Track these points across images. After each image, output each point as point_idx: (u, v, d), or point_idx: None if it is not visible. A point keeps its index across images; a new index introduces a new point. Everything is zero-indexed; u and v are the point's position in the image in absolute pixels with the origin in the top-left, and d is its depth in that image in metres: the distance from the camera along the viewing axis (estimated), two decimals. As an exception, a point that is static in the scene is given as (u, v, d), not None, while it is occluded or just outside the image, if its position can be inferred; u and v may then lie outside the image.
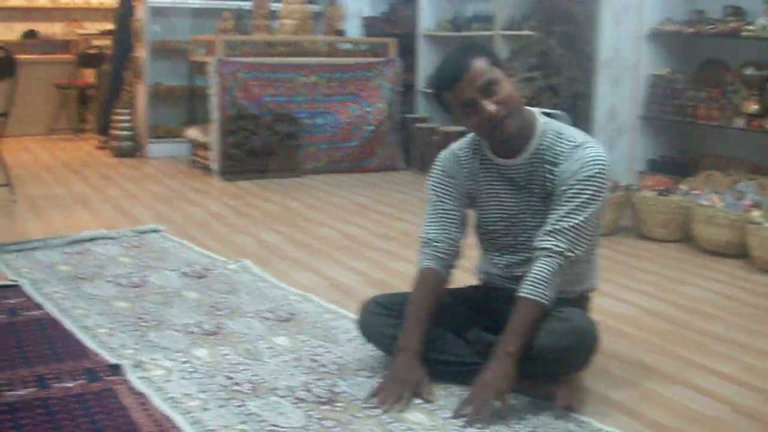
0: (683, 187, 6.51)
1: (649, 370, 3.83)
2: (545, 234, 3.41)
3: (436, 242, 3.60)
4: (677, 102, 6.98)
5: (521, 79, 7.55)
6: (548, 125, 3.53)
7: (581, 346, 3.37)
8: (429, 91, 3.55)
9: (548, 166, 3.46)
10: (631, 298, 4.92)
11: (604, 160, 3.42)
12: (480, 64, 3.35)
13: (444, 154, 3.72)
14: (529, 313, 3.33)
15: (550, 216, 3.44)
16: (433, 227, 3.63)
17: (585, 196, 3.38)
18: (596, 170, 3.39)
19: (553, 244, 3.38)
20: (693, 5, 7.24)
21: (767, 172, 6.53)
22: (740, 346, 4.19)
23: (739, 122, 6.51)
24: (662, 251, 6.09)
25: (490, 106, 3.33)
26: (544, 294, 3.34)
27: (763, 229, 5.55)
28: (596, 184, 3.39)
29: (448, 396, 3.43)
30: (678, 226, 6.29)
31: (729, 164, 6.99)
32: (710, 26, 6.75)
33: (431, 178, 3.71)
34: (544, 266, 3.37)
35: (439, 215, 3.63)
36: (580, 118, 7.19)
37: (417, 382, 3.40)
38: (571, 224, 3.38)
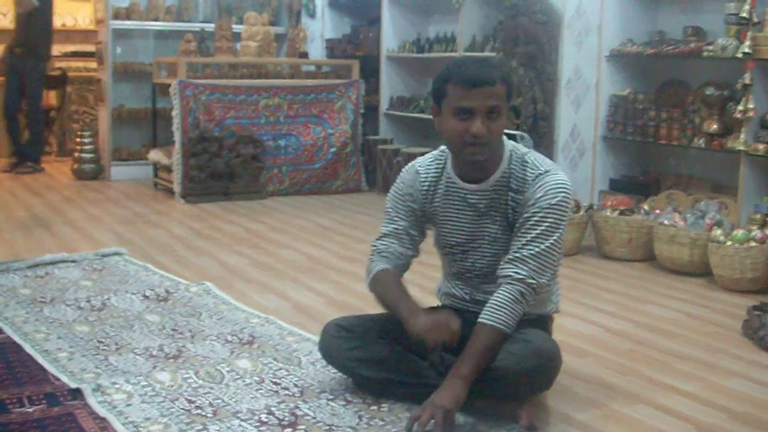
0: (645, 206, 6.55)
1: (612, 390, 3.84)
2: (507, 262, 3.42)
3: (385, 254, 3.65)
4: (638, 122, 7.02)
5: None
6: (515, 153, 3.54)
7: (543, 368, 3.37)
8: (433, 85, 3.51)
9: (512, 194, 3.48)
10: (594, 318, 4.93)
11: (567, 188, 3.45)
12: (501, 89, 3.37)
13: (406, 170, 3.75)
14: (485, 339, 3.32)
15: (513, 243, 3.45)
16: (384, 240, 3.70)
17: (547, 223, 3.40)
18: (559, 198, 3.41)
19: (514, 272, 3.39)
20: (653, 26, 7.30)
21: (728, 191, 6.57)
22: (703, 364, 4.21)
23: (700, 142, 6.55)
24: (625, 271, 6.12)
25: (481, 127, 3.33)
26: (503, 320, 3.34)
27: (724, 248, 5.58)
28: (558, 211, 3.41)
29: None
30: (640, 246, 6.32)
31: (690, 183, 7.04)
32: (671, 47, 6.80)
33: (391, 192, 3.76)
34: (505, 293, 3.38)
35: (392, 230, 3.69)
36: (542, 138, 7.22)
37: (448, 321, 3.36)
38: (533, 252, 3.39)
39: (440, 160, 3.68)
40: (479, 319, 3.37)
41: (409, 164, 3.77)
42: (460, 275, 3.70)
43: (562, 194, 3.42)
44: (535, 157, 3.53)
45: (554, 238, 3.41)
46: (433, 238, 3.78)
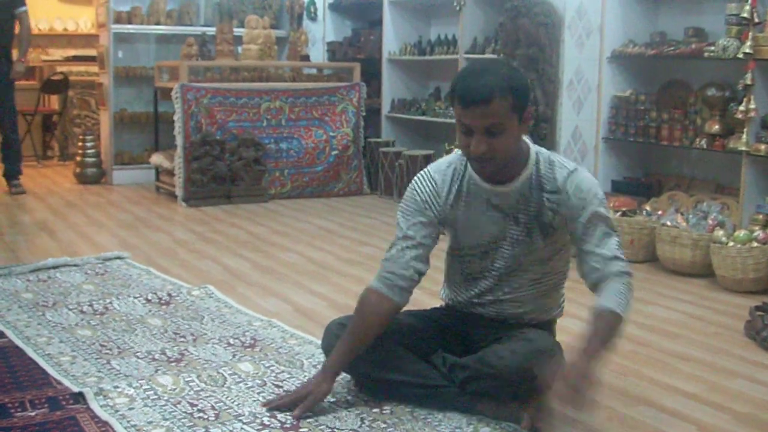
0: (647, 207, 6.55)
1: (615, 391, 3.83)
2: (607, 260, 3.34)
3: (392, 264, 3.50)
4: (640, 123, 7.02)
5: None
6: (540, 154, 3.46)
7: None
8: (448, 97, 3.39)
9: (547, 195, 3.42)
10: (596, 319, 4.92)
11: (596, 181, 3.48)
12: (501, 105, 3.20)
13: (421, 180, 3.58)
14: (611, 322, 3.23)
15: (587, 243, 3.38)
16: (394, 249, 3.52)
17: (605, 214, 3.38)
18: (600, 191, 3.42)
19: (621, 268, 3.34)
20: (654, 27, 7.30)
21: (730, 192, 6.57)
22: (706, 365, 4.21)
23: (702, 143, 6.55)
24: (627, 272, 6.11)
25: (481, 146, 3.23)
26: (624, 308, 3.27)
27: (726, 249, 5.58)
28: (604, 200, 3.43)
29: (413, 420, 3.41)
30: (642, 247, 6.31)
31: (692, 184, 7.04)
32: (672, 48, 6.80)
33: (404, 202, 3.58)
34: (620, 284, 3.32)
35: (404, 242, 3.51)
36: (544, 140, 7.21)
37: (315, 399, 3.42)
38: (616, 244, 3.38)
39: (458, 163, 3.55)
40: (600, 304, 3.27)
41: (422, 173, 3.60)
42: (476, 275, 3.65)
43: (597, 185, 3.43)
44: (558, 157, 3.50)
45: (614, 228, 3.41)
46: (448, 242, 3.73)
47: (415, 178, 3.60)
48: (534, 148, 3.48)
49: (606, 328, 3.21)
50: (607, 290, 3.30)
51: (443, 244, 3.71)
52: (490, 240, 3.54)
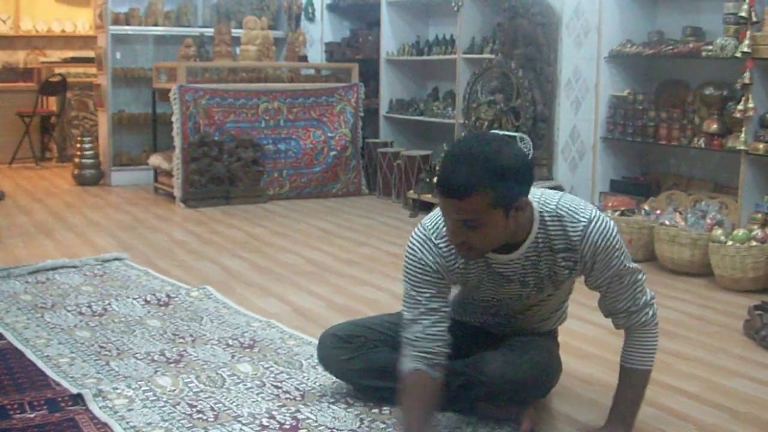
0: (646, 207, 6.54)
1: (614, 390, 3.82)
2: (635, 313, 3.28)
3: (429, 342, 3.19)
4: (638, 123, 7.02)
5: (482, 102, 7.58)
6: (545, 211, 3.14)
7: (537, 379, 3.37)
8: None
9: (562, 254, 3.19)
10: (595, 319, 4.90)
11: (612, 227, 3.19)
12: (479, 201, 2.88)
13: (428, 250, 3.23)
14: (641, 383, 3.30)
15: (612, 298, 3.31)
16: (413, 326, 3.22)
17: (626, 267, 3.24)
18: (615, 241, 3.18)
19: (644, 317, 3.28)
20: (652, 26, 7.30)
21: (729, 191, 6.57)
22: (705, 364, 4.21)
23: (700, 142, 6.55)
24: (626, 271, 6.10)
25: (456, 237, 2.99)
26: (652, 360, 3.29)
27: (725, 248, 5.58)
28: (622, 249, 3.23)
29: (412, 420, 3.41)
30: (641, 246, 6.31)
31: (690, 184, 7.04)
32: (670, 47, 6.80)
33: (413, 274, 3.25)
34: (646, 335, 3.29)
35: (420, 311, 3.22)
36: (542, 140, 7.23)
37: None
38: (639, 291, 3.28)
39: None
40: (629, 365, 3.29)
41: (424, 241, 3.23)
42: (479, 314, 3.61)
43: (614, 235, 3.18)
44: (566, 207, 3.15)
45: (635, 270, 3.27)
46: None
47: (418, 245, 3.25)
48: (538, 207, 3.16)
49: (639, 390, 3.31)
50: (634, 343, 3.30)
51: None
52: (496, 299, 3.43)
